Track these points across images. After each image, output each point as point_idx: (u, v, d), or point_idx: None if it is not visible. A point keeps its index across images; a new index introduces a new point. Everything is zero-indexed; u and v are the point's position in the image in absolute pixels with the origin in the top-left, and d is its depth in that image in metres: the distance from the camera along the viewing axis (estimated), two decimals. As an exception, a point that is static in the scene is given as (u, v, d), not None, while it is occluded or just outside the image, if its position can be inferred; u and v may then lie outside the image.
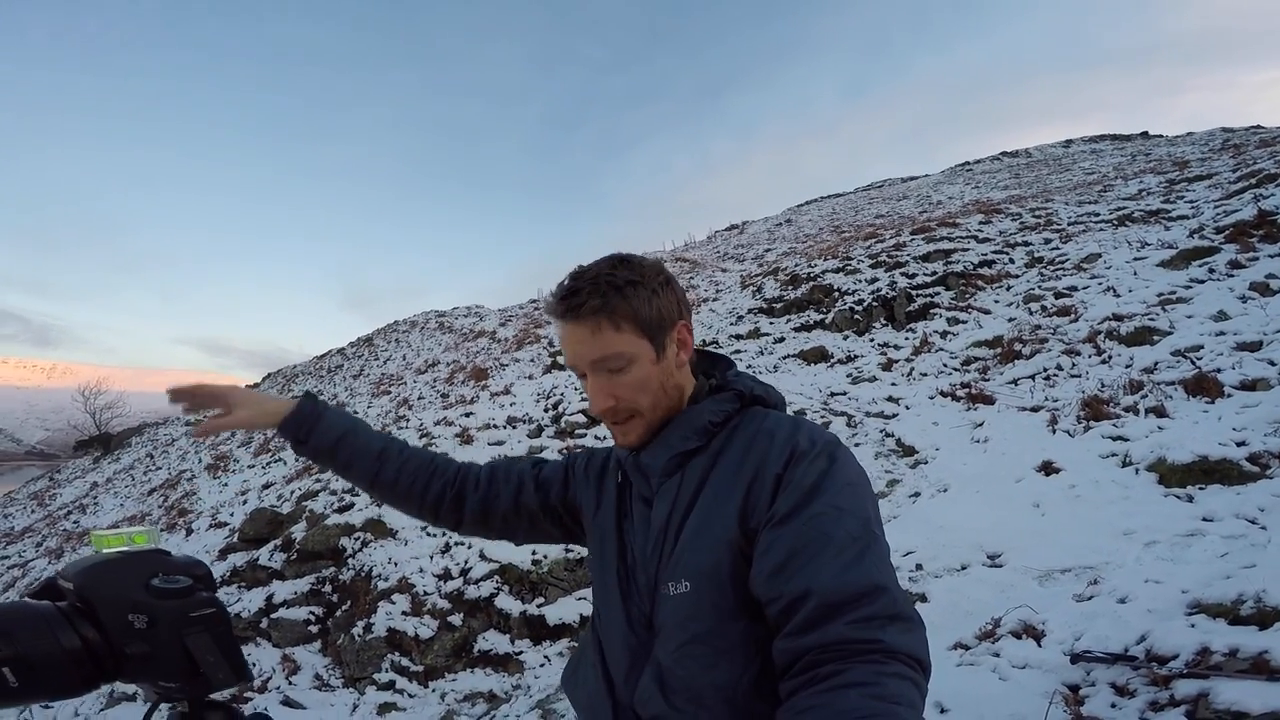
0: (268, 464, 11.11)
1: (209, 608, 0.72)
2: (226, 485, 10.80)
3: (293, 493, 7.56)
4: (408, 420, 9.40)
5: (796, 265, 12.44)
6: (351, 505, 6.50)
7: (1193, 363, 5.24)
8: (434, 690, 4.70)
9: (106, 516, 12.77)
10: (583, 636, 1.17)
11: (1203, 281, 6.91)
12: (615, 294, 0.96)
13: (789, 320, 10.48)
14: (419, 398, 11.75)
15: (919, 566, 3.93)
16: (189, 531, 8.10)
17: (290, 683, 4.81)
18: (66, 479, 20.82)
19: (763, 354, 9.56)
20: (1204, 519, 3.45)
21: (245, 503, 8.44)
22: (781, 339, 9.97)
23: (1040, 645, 2.81)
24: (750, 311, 11.12)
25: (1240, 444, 3.95)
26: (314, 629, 5.43)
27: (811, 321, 10.14)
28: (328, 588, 5.73)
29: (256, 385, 24.15)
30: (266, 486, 9.09)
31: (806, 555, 0.80)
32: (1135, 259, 8.21)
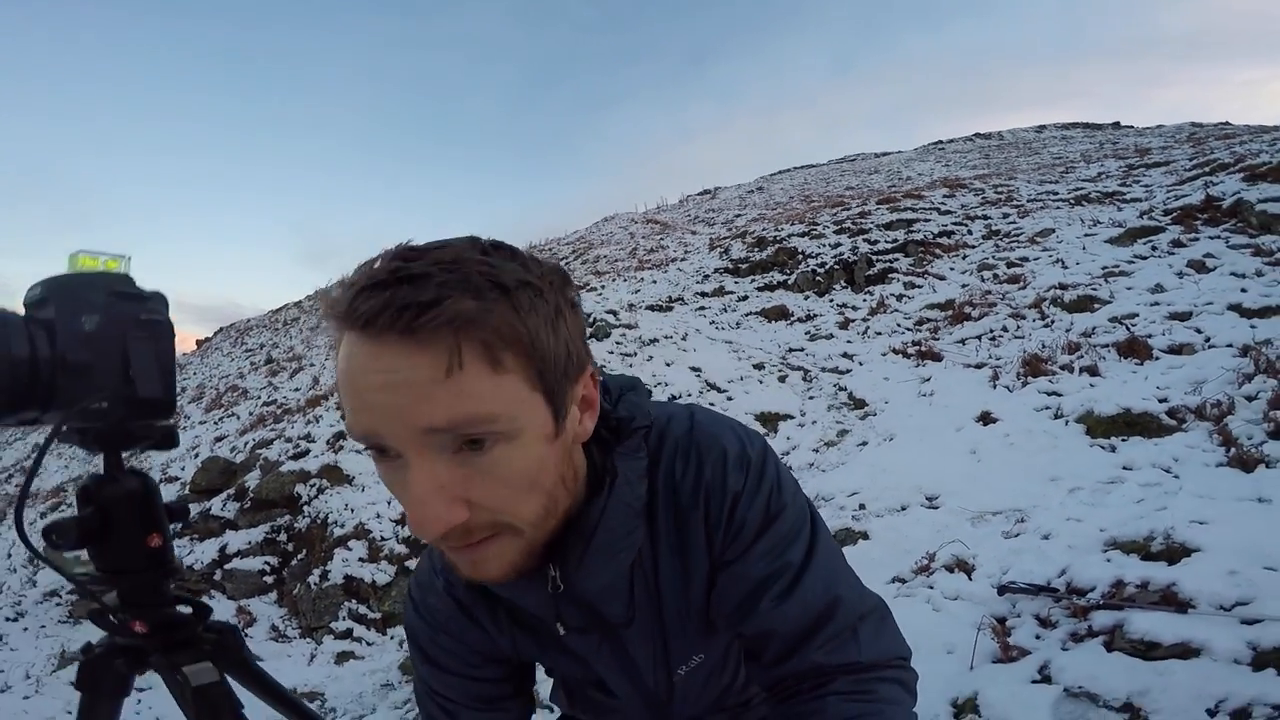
0: (220, 419, 10.87)
1: (159, 316, 0.72)
2: (177, 438, 10.54)
3: (246, 443, 7.43)
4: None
5: (764, 229, 12.53)
6: (307, 452, 6.44)
7: (1127, 328, 5.52)
8: (392, 637, 4.71)
9: (51, 479, 12.30)
10: None
11: (1145, 258, 7.23)
12: (499, 300, 0.53)
13: (753, 280, 10.62)
14: (379, 351, 11.59)
15: (862, 506, 4.14)
16: (138, 480, 7.92)
17: (247, 635, 4.80)
18: (6, 441, 20.01)
19: (726, 311, 9.70)
20: (1124, 467, 3.68)
21: (197, 456, 8.24)
22: (745, 297, 10.12)
23: (971, 579, 3.00)
24: (716, 271, 11.21)
25: (1162, 400, 4.22)
26: (269, 579, 5.38)
27: (775, 282, 10.30)
28: (283, 536, 5.69)
29: (208, 340, 23.40)
30: (219, 439, 8.91)
31: (756, 598, 0.73)
32: (1086, 235, 8.51)
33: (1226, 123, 20.90)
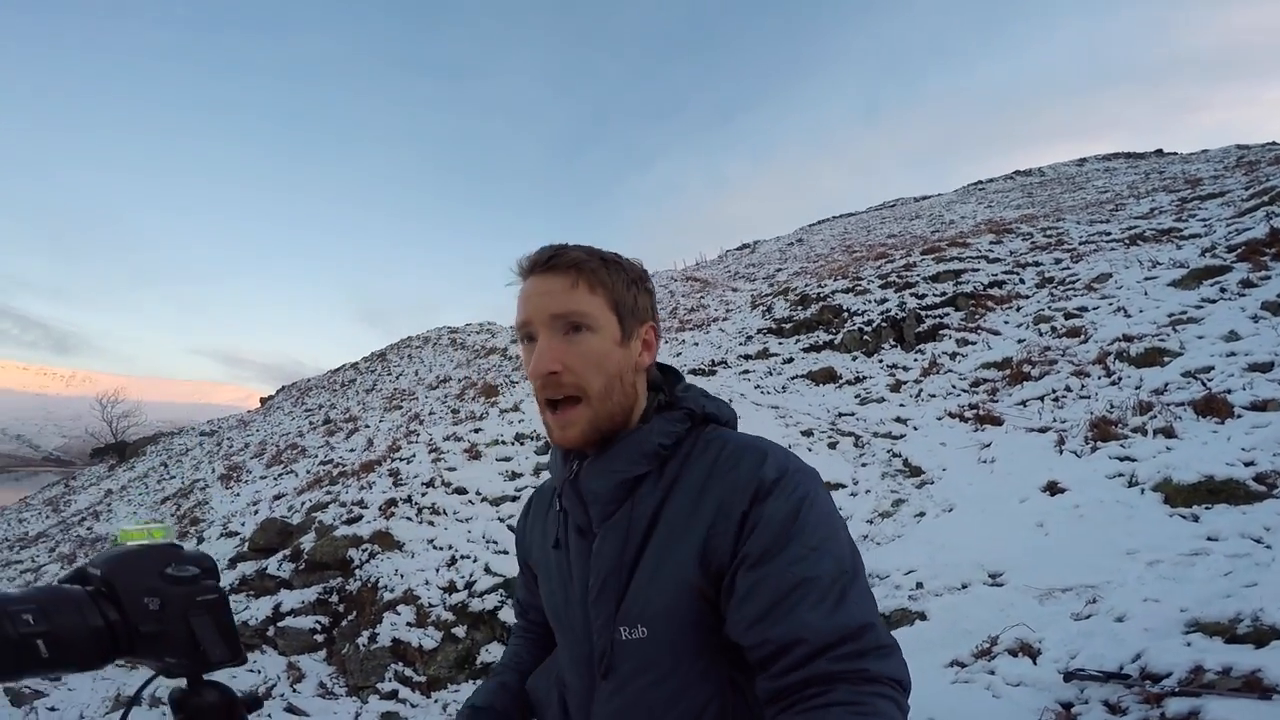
0: (279, 475, 11.23)
1: (212, 594, 0.82)
2: (239, 495, 10.92)
3: (303, 504, 7.64)
4: (418, 435, 9.49)
5: (806, 285, 12.48)
6: (360, 517, 6.57)
7: (1203, 384, 5.21)
8: (436, 701, 4.73)
9: (120, 524, 12.94)
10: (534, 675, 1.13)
11: (1214, 301, 6.86)
12: (599, 263, 0.91)
13: (798, 340, 10.50)
14: (430, 413, 11.85)
15: (919, 585, 3.91)
16: (200, 540, 8.20)
17: (295, 690, 4.86)
18: (81, 486, 21.10)
19: (771, 374, 9.58)
20: (1209, 538, 3.42)
21: (256, 513, 8.53)
22: (790, 359, 9.99)
23: (1036, 663, 2.80)
24: (760, 331, 11.15)
25: (1248, 464, 3.92)
26: (319, 638, 5.49)
27: (820, 342, 10.16)
28: (334, 598, 5.79)
29: (271, 398, 24.42)
30: (278, 498, 9.19)
31: (790, 602, 0.77)
32: (1146, 278, 8.17)
33: (1274, 142, 20.08)
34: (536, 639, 1.18)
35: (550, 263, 0.90)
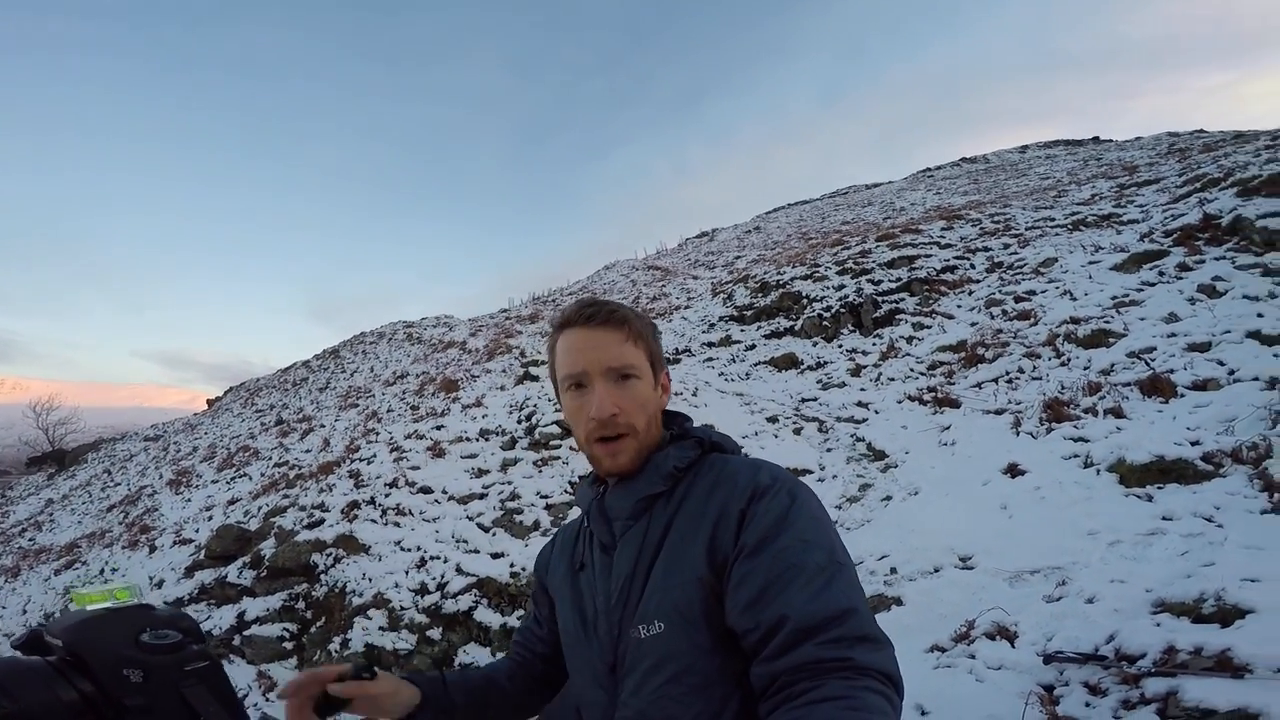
0: (232, 479, 10.82)
1: (202, 660, 0.75)
2: (190, 501, 10.48)
3: (260, 509, 7.37)
4: (377, 434, 9.25)
5: (765, 272, 12.60)
6: (321, 521, 6.38)
7: (1147, 364, 5.45)
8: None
9: (64, 534, 12.26)
10: (548, 709, 1.17)
11: (1154, 284, 7.17)
12: (637, 319, 1.06)
13: (759, 328, 10.60)
14: (388, 410, 11.58)
15: (893, 570, 4.01)
16: (152, 549, 7.85)
17: (267, 699, 4.72)
18: (20, 496, 19.96)
19: (734, 361, 9.66)
20: (1163, 518, 3.58)
21: (210, 519, 8.20)
22: (752, 346, 10.08)
23: (1014, 646, 2.90)
24: (721, 319, 11.22)
25: (1194, 443, 4.12)
26: (289, 645, 5.33)
27: (781, 328, 10.28)
28: (301, 604, 5.62)
29: (219, 399, 23.48)
30: (233, 502, 8.85)
31: (779, 585, 0.83)
32: (1090, 263, 8.50)
33: (1202, 130, 21.05)
34: (521, 664, 1.23)
35: (604, 319, 1.02)
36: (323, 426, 12.34)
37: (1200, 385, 4.97)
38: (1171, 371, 5.21)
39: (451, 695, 1.10)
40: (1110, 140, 25.91)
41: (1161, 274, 7.36)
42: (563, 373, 1.04)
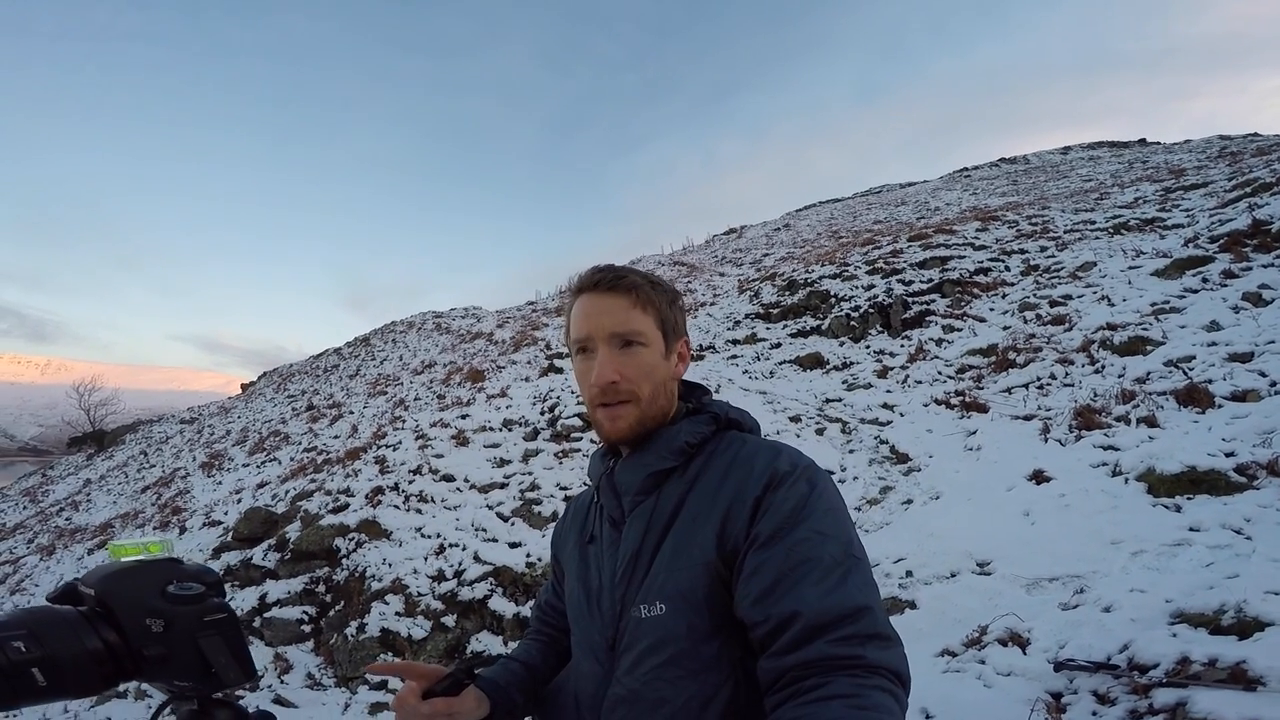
0: (262, 463, 11.11)
1: (221, 613, 0.77)
2: (221, 484, 10.79)
3: (287, 492, 7.56)
4: (404, 421, 9.41)
5: (794, 271, 12.48)
6: (346, 506, 6.51)
7: (1185, 373, 5.28)
8: (426, 691, 4.72)
9: (99, 514, 12.73)
10: (556, 681, 1.16)
11: (1196, 291, 6.94)
12: (649, 285, 1.04)
13: (785, 326, 10.51)
14: (415, 399, 11.76)
15: (909, 573, 3.96)
16: (182, 530, 8.10)
17: (282, 681, 4.83)
18: (59, 475, 20.76)
19: (759, 359, 9.59)
20: (1191, 529, 3.48)
21: (239, 502, 8.44)
22: (778, 344, 10.00)
23: (1025, 653, 2.84)
24: (747, 317, 11.15)
25: (1229, 454, 3.99)
26: (307, 629, 5.45)
27: (808, 328, 10.17)
28: (321, 588, 5.75)
29: (253, 384, 24.11)
30: (261, 486, 9.10)
31: (793, 579, 0.82)
32: (1130, 268, 8.25)
33: (1256, 134, 20.25)
34: (549, 641, 1.22)
35: (611, 284, 1.02)
36: (352, 413, 12.60)
37: (1239, 396, 4.80)
38: (1210, 381, 5.04)
39: (511, 695, 1.10)
40: (1157, 143, 25.09)
41: (1205, 281, 7.11)
42: (572, 337, 1.05)
